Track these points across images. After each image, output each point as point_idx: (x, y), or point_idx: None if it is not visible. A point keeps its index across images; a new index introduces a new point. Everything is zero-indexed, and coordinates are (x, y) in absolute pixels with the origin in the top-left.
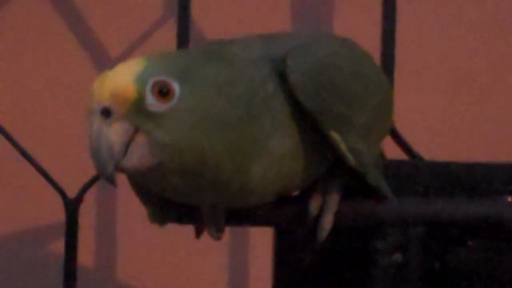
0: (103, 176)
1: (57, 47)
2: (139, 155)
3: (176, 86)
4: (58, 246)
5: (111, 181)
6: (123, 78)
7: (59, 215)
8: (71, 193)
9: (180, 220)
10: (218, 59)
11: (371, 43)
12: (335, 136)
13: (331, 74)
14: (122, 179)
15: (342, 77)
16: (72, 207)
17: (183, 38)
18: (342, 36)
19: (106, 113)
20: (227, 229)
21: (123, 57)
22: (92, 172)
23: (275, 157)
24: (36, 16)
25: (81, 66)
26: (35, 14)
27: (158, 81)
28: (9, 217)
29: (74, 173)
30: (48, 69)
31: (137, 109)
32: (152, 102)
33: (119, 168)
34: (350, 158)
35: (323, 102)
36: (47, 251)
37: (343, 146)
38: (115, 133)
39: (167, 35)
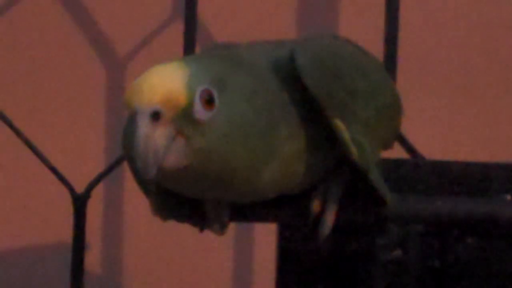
0: (145, 178)
1: (66, 46)
2: (175, 158)
3: (216, 95)
4: (66, 241)
5: (151, 183)
6: (174, 83)
7: (67, 210)
8: (79, 189)
9: (182, 218)
10: (240, 68)
11: (376, 45)
12: (339, 124)
13: (337, 62)
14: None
15: (347, 67)
16: (80, 202)
17: (189, 38)
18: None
19: (156, 116)
20: (232, 226)
21: (131, 56)
22: (100, 168)
23: (284, 160)
24: (46, 15)
25: (89, 64)
26: (45, 13)
27: (205, 89)
28: (18, 212)
29: (82, 169)
30: (57, 67)
31: (184, 115)
32: (199, 110)
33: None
34: (353, 150)
35: (329, 87)
36: (55, 246)
37: (346, 136)
38: (161, 137)
39: (175, 35)
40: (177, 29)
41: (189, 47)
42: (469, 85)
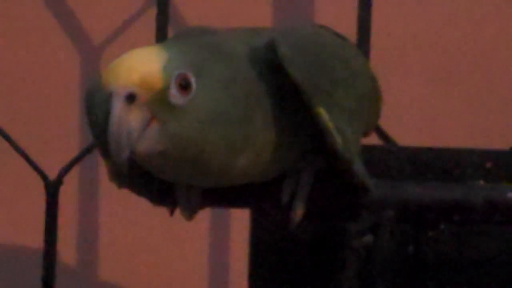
0: (117, 160)
1: (41, 33)
2: (150, 142)
3: (193, 81)
4: (39, 229)
5: (123, 165)
6: (151, 66)
7: (40, 197)
8: (52, 175)
9: (140, 190)
10: (219, 56)
11: (352, 31)
12: (322, 113)
13: (318, 51)
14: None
15: (328, 56)
16: (52, 188)
17: (162, 26)
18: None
19: (131, 98)
20: (207, 214)
21: (106, 44)
22: (72, 153)
23: (258, 148)
24: (21, 3)
25: (64, 52)
26: (20, 2)
27: (181, 73)
28: None
29: (56, 156)
30: (31, 54)
31: (159, 98)
32: (174, 94)
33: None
34: (337, 139)
35: (312, 76)
36: (27, 234)
37: (331, 125)
38: (135, 119)
39: (149, 23)
40: (151, 17)
41: (161, 35)
42: (447, 71)
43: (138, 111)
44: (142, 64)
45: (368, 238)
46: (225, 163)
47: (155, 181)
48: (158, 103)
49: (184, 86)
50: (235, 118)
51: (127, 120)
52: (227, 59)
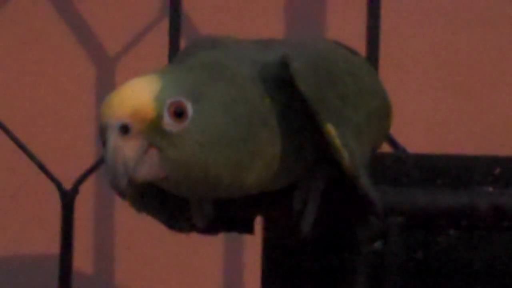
0: (116, 189)
1: (56, 44)
2: (149, 169)
3: (189, 107)
4: (55, 238)
5: (124, 195)
6: (142, 97)
7: (56, 206)
8: (68, 185)
9: (156, 213)
10: (221, 78)
11: (358, 40)
12: (330, 129)
13: (330, 67)
14: None
15: (340, 72)
16: (68, 198)
17: (174, 36)
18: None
19: (124, 129)
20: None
21: (121, 55)
22: (88, 164)
23: (267, 162)
24: (36, 15)
25: (79, 62)
26: (35, 12)
27: (175, 101)
28: (5, 208)
29: (72, 166)
30: (47, 65)
31: (153, 128)
32: (168, 122)
33: (129, 180)
34: (345, 155)
35: (322, 92)
36: (43, 243)
37: (337, 141)
38: (131, 149)
39: (162, 35)
40: (165, 28)
41: (174, 45)
42: (452, 79)
43: (133, 141)
44: (134, 95)
45: (378, 244)
46: (234, 180)
47: (170, 201)
48: (153, 132)
49: (179, 113)
50: (238, 137)
51: (122, 151)
52: (229, 80)
